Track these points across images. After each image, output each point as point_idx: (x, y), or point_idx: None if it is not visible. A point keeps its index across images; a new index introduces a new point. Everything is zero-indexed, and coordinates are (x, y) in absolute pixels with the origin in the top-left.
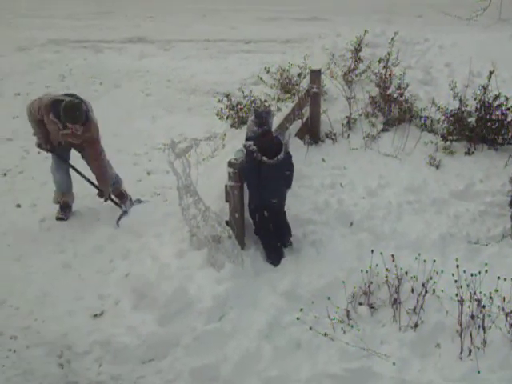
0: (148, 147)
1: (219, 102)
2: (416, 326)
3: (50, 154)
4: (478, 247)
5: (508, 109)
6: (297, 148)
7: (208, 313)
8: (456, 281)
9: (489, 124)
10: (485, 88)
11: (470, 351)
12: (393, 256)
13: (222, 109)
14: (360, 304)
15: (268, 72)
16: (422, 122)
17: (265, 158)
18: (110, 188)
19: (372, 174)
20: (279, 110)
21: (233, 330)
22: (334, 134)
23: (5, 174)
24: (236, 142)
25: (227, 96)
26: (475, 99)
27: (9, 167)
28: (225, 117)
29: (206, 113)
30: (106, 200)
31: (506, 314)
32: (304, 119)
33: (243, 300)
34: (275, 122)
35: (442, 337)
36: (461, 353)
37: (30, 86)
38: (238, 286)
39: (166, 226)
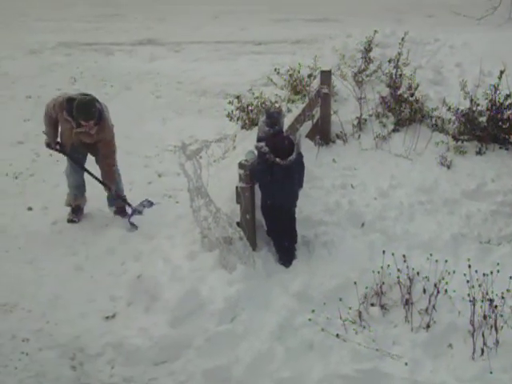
0: (159, 149)
1: (230, 103)
2: (428, 326)
3: (61, 157)
4: (489, 247)
5: None
6: (307, 149)
7: (220, 314)
8: (468, 281)
9: (500, 123)
10: (496, 87)
11: (483, 351)
12: (404, 256)
13: (232, 110)
14: (372, 305)
15: (278, 73)
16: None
17: (277, 159)
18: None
19: (383, 174)
20: (289, 111)
21: (245, 331)
22: (345, 135)
23: (16, 177)
24: (247, 144)
25: (237, 97)
26: (486, 99)
27: (20, 170)
28: (235, 118)
29: (217, 114)
30: (112, 192)
31: None
32: (314, 120)
33: (255, 301)
34: (286, 123)
35: (454, 337)
36: (473, 353)
37: (41, 89)
38: (250, 287)
39: (178, 227)
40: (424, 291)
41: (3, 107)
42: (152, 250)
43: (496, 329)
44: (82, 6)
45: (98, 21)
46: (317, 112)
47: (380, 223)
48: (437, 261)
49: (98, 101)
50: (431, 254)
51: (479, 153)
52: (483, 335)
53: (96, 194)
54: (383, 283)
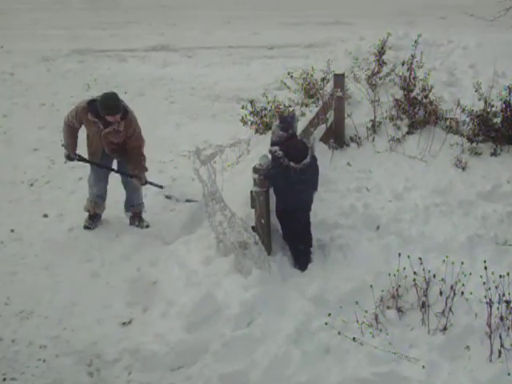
0: (173, 154)
1: (243, 108)
2: (445, 328)
3: (76, 163)
4: (506, 248)
5: None
6: (322, 152)
7: (236, 319)
8: (484, 283)
9: None
10: (510, 88)
11: (500, 353)
12: (420, 259)
13: (246, 115)
14: (388, 308)
15: (291, 77)
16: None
17: (292, 164)
18: (133, 208)
19: (398, 176)
20: (303, 114)
21: (261, 335)
22: (359, 138)
23: (32, 185)
24: (261, 148)
25: (251, 102)
26: (500, 100)
27: (35, 177)
28: (249, 123)
29: (230, 119)
30: (143, 185)
31: None
32: (328, 123)
33: (271, 306)
34: (300, 126)
35: (471, 339)
36: (490, 355)
37: (55, 96)
38: (266, 291)
39: (193, 232)
40: (440, 293)
41: (18, 115)
42: (167, 256)
43: None
44: (97, 13)
45: (111, 28)
46: (331, 115)
47: (395, 226)
48: (453, 263)
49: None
50: (447, 256)
51: (494, 154)
52: (500, 337)
53: (112, 200)
54: (399, 286)
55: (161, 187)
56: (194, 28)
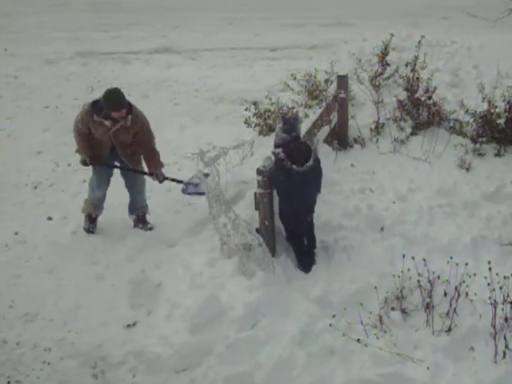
0: (177, 156)
1: (246, 110)
2: (449, 330)
3: (79, 166)
4: (510, 249)
5: None
6: (325, 154)
7: (240, 321)
8: (489, 283)
9: None
10: None
11: (505, 354)
12: (425, 260)
13: (249, 117)
14: (392, 309)
15: (295, 79)
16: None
17: (294, 167)
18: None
19: (402, 178)
20: (307, 116)
21: (266, 337)
22: (363, 139)
23: (36, 187)
24: (264, 150)
25: (254, 104)
26: (504, 100)
27: (39, 180)
28: (252, 124)
29: (234, 121)
30: (161, 181)
31: None
32: (332, 125)
33: (275, 307)
34: (303, 128)
35: (475, 340)
36: (495, 356)
37: (59, 99)
38: (270, 293)
39: (197, 234)
40: (445, 295)
41: (21, 118)
42: (171, 258)
43: None
44: (100, 16)
45: (114, 30)
46: (334, 117)
47: (399, 227)
48: (457, 264)
49: None
50: (451, 257)
51: (498, 155)
52: (505, 338)
53: (115, 203)
54: (404, 287)
55: (181, 182)
56: (196, 30)
